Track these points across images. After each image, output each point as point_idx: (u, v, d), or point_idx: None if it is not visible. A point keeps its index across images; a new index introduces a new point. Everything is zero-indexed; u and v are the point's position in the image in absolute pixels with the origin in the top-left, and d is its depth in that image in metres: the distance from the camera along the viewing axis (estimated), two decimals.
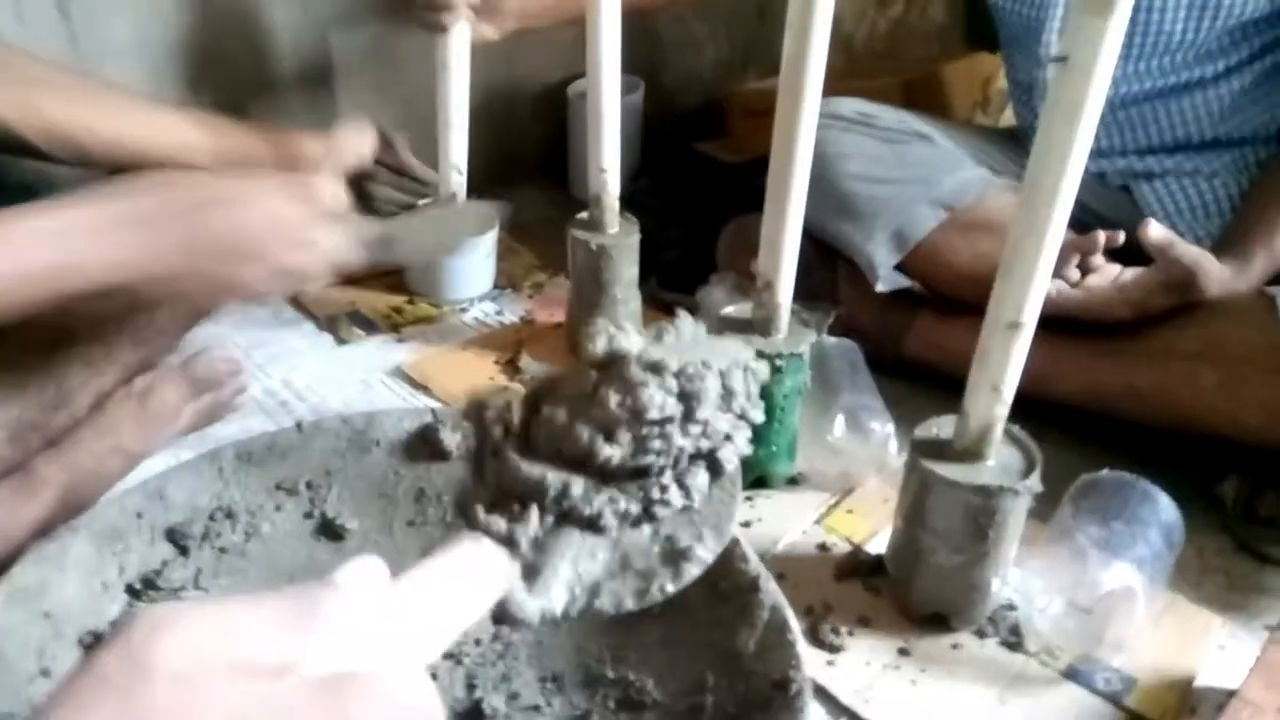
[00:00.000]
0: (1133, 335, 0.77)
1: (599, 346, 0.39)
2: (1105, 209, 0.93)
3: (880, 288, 0.87)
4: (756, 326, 0.70)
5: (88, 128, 0.69)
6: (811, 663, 0.59)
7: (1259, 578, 0.70)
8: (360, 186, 0.89)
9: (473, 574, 0.34)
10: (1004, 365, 0.56)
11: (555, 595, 0.36)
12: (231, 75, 1.02)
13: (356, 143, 0.84)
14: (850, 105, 0.94)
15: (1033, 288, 0.53)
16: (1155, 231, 0.72)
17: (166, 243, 0.57)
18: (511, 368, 0.90)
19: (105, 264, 0.55)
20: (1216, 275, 0.75)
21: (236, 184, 0.62)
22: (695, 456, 0.39)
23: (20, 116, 0.66)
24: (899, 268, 0.88)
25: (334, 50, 1.08)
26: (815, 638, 0.62)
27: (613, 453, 0.37)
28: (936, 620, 0.63)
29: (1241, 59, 0.86)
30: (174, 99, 0.99)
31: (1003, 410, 0.58)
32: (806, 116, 0.62)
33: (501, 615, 0.35)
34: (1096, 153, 0.94)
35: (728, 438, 0.40)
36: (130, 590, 0.58)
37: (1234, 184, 0.89)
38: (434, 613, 0.31)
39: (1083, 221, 0.91)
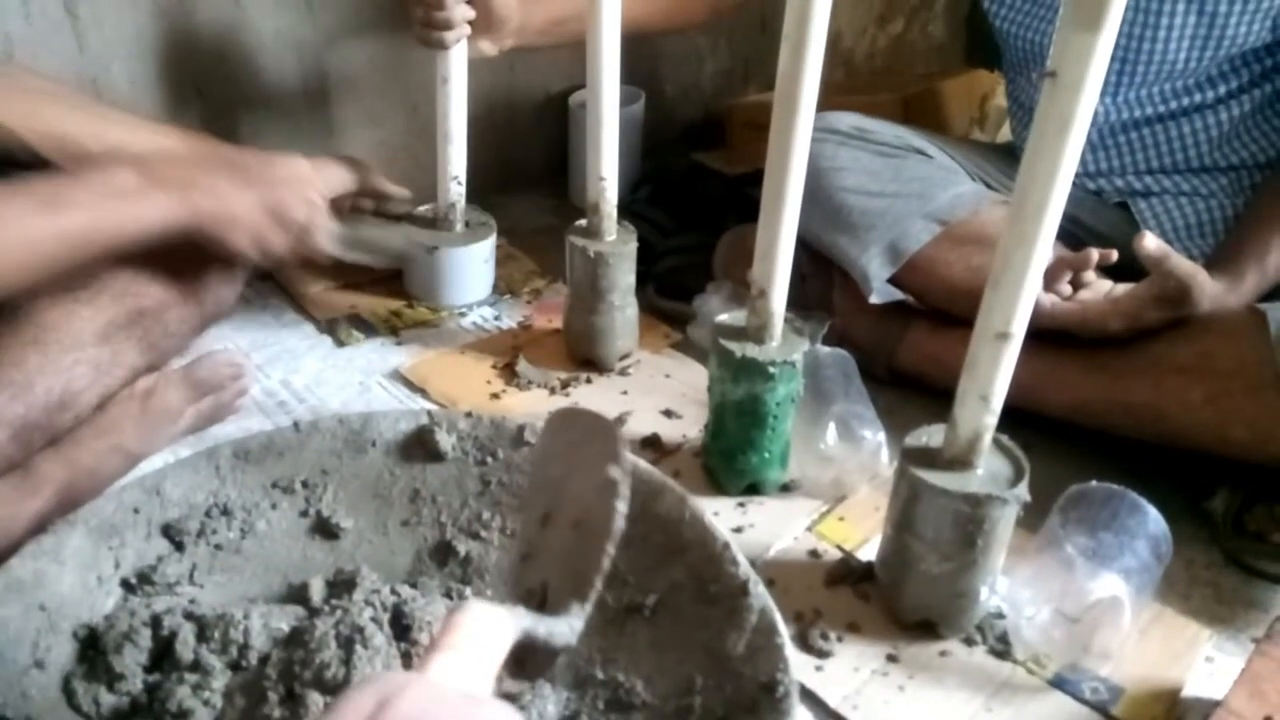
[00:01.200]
0: (1123, 350, 0.77)
1: None
2: (1101, 225, 0.94)
3: (874, 300, 0.88)
4: (750, 334, 0.71)
5: (93, 134, 0.71)
6: (800, 668, 0.60)
7: (1247, 591, 0.70)
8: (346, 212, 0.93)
9: (488, 630, 0.35)
10: (993, 375, 0.57)
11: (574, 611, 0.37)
12: (235, 82, 1.03)
13: (340, 173, 0.88)
14: (847, 120, 0.95)
15: (1021, 299, 0.54)
16: (1151, 243, 0.73)
17: (194, 196, 0.67)
18: (508, 372, 0.91)
19: (138, 223, 0.64)
20: (1209, 290, 0.75)
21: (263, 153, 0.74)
22: None
23: (25, 124, 0.68)
24: (893, 280, 0.89)
25: (331, 67, 1.09)
26: (804, 643, 0.63)
27: None
28: (925, 627, 0.64)
29: (1241, 84, 0.87)
30: (177, 103, 1.00)
31: (991, 419, 0.59)
32: (801, 127, 0.63)
33: (535, 657, 0.36)
34: (1096, 173, 0.95)
35: None
36: (125, 585, 0.59)
37: (1230, 205, 0.90)
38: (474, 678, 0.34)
39: (1078, 237, 0.92)
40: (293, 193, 0.75)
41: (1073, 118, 0.49)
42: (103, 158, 0.69)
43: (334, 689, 0.51)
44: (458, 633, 0.34)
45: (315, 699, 0.51)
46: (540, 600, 0.40)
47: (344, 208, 0.90)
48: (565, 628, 0.38)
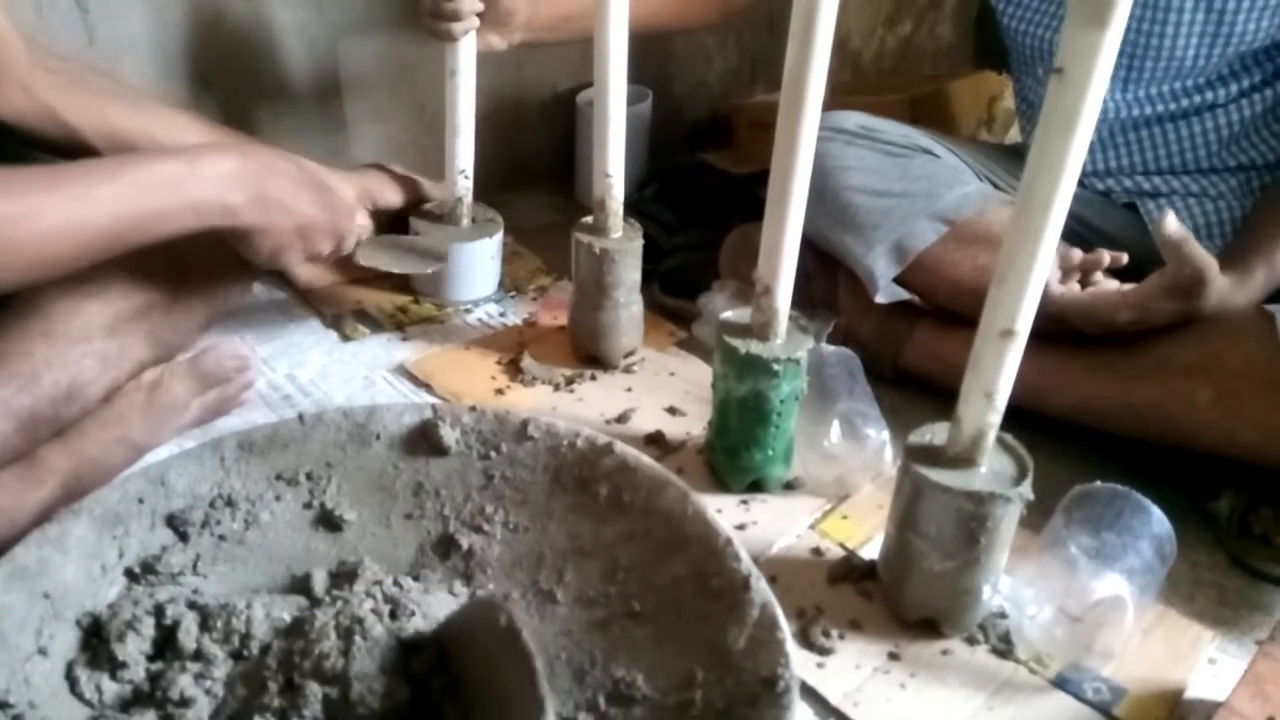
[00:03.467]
0: (1129, 350, 0.77)
1: None
2: (1109, 226, 0.94)
3: (879, 299, 0.88)
4: (755, 331, 0.71)
5: (151, 138, 0.75)
6: (802, 664, 0.60)
7: (1252, 593, 0.70)
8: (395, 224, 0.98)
9: None
10: (997, 372, 0.57)
11: None
12: (243, 75, 1.04)
13: (389, 191, 0.94)
14: (854, 119, 0.95)
15: (1026, 296, 0.54)
16: (1172, 224, 0.71)
17: (244, 202, 0.69)
18: (513, 368, 0.91)
19: (178, 215, 0.65)
20: (1219, 286, 0.75)
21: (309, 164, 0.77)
22: None
23: (92, 126, 0.72)
24: (899, 280, 0.88)
25: (341, 59, 1.09)
26: (806, 640, 0.63)
27: None
28: (927, 626, 0.63)
29: (1252, 83, 0.87)
30: (186, 98, 1.00)
31: (995, 417, 0.58)
32: (807, 125, 0.62)
33: None
34: (1105, 173, 0.95)
35: None
36: (129, 574, 0.59)
37: (1238, 206, 0.90)
38: None
39: (1086, 239, 0.92)
40: (331, 225, 0.78)
41: (1079, 114, 0.49)
42: (153, 148, 0.72)
43: (333, 679, 0.51)
44: None
45: (314, 689, 0.51)
46: None
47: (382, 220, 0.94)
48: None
